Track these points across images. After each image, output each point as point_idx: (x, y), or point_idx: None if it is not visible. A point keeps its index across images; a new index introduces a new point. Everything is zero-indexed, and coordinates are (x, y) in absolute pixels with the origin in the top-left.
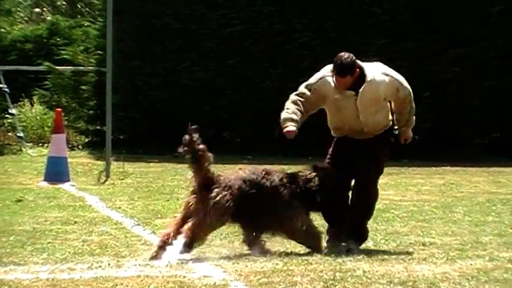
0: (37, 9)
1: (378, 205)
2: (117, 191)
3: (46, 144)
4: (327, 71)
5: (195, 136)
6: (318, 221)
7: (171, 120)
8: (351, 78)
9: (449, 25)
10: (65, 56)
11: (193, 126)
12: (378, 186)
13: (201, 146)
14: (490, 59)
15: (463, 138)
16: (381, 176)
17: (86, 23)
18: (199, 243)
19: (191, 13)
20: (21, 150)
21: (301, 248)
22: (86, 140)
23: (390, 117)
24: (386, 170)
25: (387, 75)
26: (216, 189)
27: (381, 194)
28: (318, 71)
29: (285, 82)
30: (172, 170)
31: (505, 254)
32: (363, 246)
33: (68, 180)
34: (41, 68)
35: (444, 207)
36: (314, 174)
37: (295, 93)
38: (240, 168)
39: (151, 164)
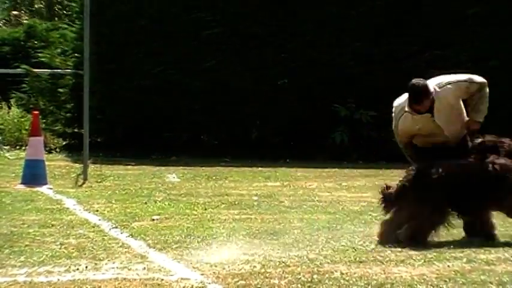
0: (15, 12)
1: (355, 207)
2: (94, 193)
3: (23, 147)
4: (398, 110)
5: None
6: None
7: (148, 123)
8: (428, 100)
9: (426, 27)
10: (42, 59)
11: None
12: None
13: None
14: (466, 61)
15: None
16: (359, 178)
17: (63, 26)
18: None
19: (168, 16)
20: None
21: (278, 250)
22: (64, 143)
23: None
24: (363, 172)
25: (449, 83)
26: None
27: (358, 196)
28: (293, 73)
29: (261, 85)
30: (150, 172)
31: (482, 256)
32: (341, 248)
33: (46, 183)
34: (18, 70)
35: None
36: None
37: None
38: None
39: (129, 167)
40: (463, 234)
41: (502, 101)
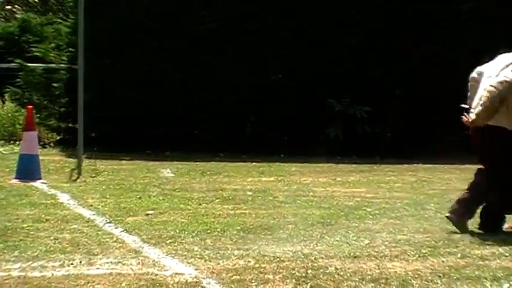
0: (8, 7)
1: (350, 202)
2: (88, 188)
3: (17, 142)
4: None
5: None
6: None
7: (143, 118)
8: None
9: (421, 23)
10: (36, 54)
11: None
12: None
13: None
14: (461, 57)
15: (434, 136)
16: (353, 173)
17: (58, 20)
18: None
19: (164, 11)
20: None
21: (273, 245)
22: (58, 138)
23: None
24: (358, 167)
25: None
26: None
27: (352, 191)
28: (292, 69)
29: (258, 81)
30: (144, 167)
31: (476, 251)
32: (335, 243)
33: (40, 178)
34: (12, 65)
35: (416, 204)
36: None
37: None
38: None
39: (123, 162)
40: (455, 230)
41: None
